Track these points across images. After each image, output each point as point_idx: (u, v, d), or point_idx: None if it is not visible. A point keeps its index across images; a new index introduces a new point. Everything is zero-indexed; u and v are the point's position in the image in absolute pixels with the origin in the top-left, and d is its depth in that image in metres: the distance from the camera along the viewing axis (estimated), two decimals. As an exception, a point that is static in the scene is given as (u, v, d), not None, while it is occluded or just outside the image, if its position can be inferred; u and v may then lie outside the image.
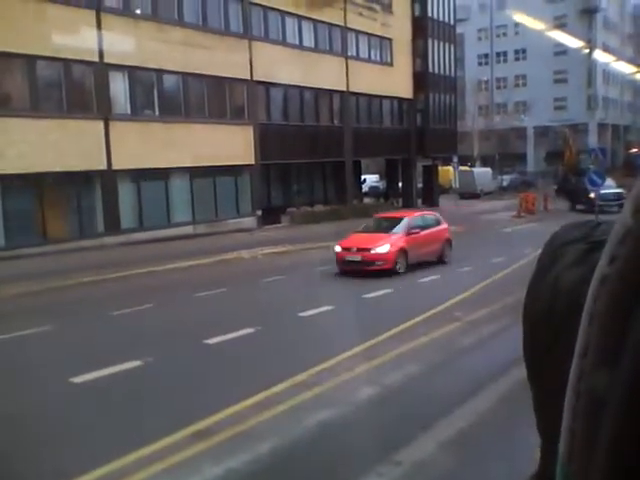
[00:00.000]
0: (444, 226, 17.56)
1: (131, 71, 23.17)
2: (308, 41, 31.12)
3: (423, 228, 16.56)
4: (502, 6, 60.79)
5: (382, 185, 43.95)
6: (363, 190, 40.00)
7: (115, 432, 6.08)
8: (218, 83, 26.32)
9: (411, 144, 37.69)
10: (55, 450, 5.81)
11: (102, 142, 22.07)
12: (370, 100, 35.13)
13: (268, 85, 28.50)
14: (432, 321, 10.49)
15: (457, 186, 47.80)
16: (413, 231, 16.08)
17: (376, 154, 37.79)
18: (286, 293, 13.51)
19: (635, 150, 58.40)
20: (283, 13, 29.45)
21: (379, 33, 35.22)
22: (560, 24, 58.41)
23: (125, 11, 23.05)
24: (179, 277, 16.01)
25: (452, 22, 40.92)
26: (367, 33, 34.38)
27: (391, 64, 36.44)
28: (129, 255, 19.01)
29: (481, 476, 5.29)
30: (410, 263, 15.55)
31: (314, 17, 30.90)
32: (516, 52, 65.15)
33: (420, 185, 40.24)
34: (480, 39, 66.92)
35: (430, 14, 38.28)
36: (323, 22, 31.54)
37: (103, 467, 5.31)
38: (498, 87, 65.31)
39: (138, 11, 23.71)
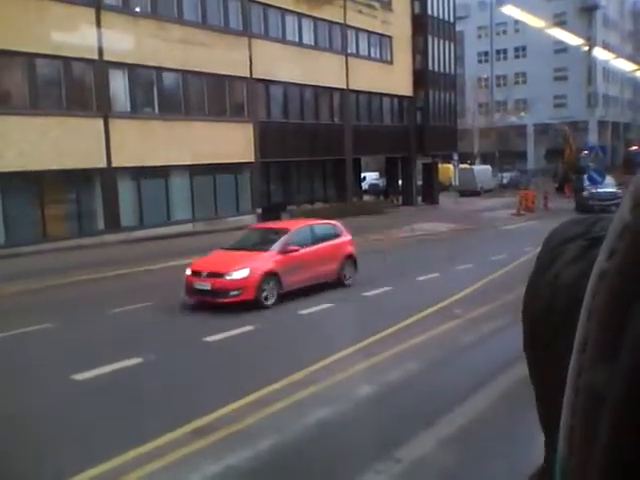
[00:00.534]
0: (345, 239, 14.27)
1: (131, 69, 23.14)
2: (308, 39, 31.08)
3: (314, 242, 13.34)
4: (502, 3, 60.71)
5: (382, 183, 43.89)
6: (363, 188, 39.96)
7: (116, 429, 6.09)
8: (218, 81, 26.29)
9: (411, 142, 37.65)
10: (56, 448, 5.82)
11: (102, 140, 22.04)
12: (370, 98, 35.09)
13: (268, 83, 28.46)
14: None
15: (457, 184, 47.75)
16: (292, 248, 12.63)
17: (376, 152, 37.75)
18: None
19: (635, 148, 58.35)
20: (283, 10, 29.40)
21: (379, 31, 35.17)
22: (560, 21, 58.33)
23: (125, 9, 23.01)
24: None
25: (452, 20, 40.84)
26: (367, 31, 34.33)
27: (391, 62, 36.39)
28: (129, 253, 19.00)
29: (481, 473, 5.29)
30: (287, 290, 12.15)
31: (314, 15, 30.86)
32: (516, 50, 65.09)
33: (420, 183, 40.19)
34: (480, 37, 66.84)
35: (430, 12, 38.21)
36: (323, 20, 31.50)
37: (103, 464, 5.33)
38: (498, 85, 65.23)
39: (138, 9, 23.68)
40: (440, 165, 42.86)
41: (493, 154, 53.15)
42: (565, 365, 0.37)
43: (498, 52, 66.61)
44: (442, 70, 39.56)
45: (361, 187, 38.74)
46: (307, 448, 5.84)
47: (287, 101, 30.32)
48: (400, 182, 39.79)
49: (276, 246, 12.62)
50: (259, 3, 28.15)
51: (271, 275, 11.99)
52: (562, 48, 59.03)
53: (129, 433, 6.03)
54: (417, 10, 37.74)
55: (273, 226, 15.44)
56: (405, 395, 7.14)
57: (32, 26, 19.46)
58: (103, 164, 22.13)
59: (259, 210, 28.05)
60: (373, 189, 43.23)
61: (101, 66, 22.03)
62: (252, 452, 5.60)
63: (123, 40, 22.13)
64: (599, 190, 28.98)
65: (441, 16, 39.41)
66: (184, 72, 24.87)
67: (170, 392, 7.27)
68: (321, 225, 14.64)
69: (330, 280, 13.28)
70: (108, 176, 22.37)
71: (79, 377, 7.66)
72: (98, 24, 21.71)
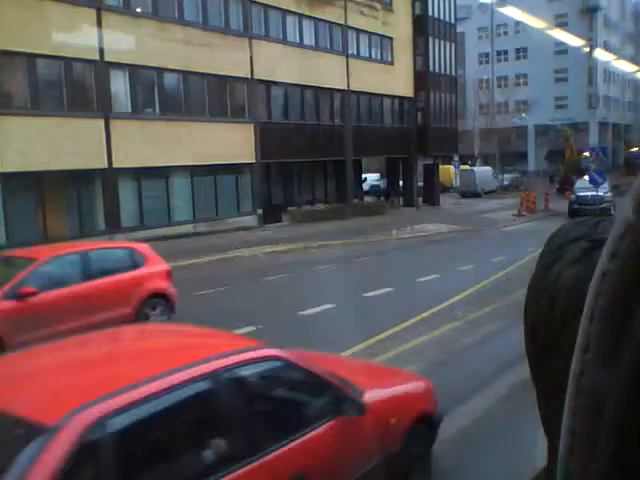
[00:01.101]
0: (152, 269, 10.09)
1: (132, 69, 23.15)
2: (309, 40, 31.10)
3: (87, 277, 9.22)
4: (503, 5, 60.75)
5: (383, 184, 43.88)
6: (364, 189, 39.96)
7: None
8: (219, 81, 26.31)
9: (412, 143, 37.63)
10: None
11: (103, 140, 22.05)
12: (371, 99, 35.10)
13: (269, 84, 28.48)
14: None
15: (458, 185, 47.74)
16: (30, 290, 8.32)
17: (377, 153, 37.77)
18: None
19: (636, 149, 58.37)
20: (284, 11, 29.42)
21: (380, 32, 35.19)
22: (561, 23, 58.33)
23: (126, 9, 23.04)
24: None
25: (453, 21, 40.86)
26: (368, 32, 34.34)
27: (392, 63, 36.40)
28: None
29: (481, 474, 5.28)
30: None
31: (315, 15, 30.88)
32: (517, 51, 65.12)
33: (421, 184, 40.19)
34: (481, 38, 66.87)
35: (431, 13, 38.24)
36: (324, 21, 31.51)
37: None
38: (499, 86, 65.22)
39: (139, 9, 23.69)
40: (441, 166, 42.88)
41: (494, 155, 53.13)
42: (567, 366, 0.36)
43: (499, 53, 66.65)
44: (443, 71, 39.58)
45: (362, 188, 38.73)
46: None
47: (288, 102, 30.33)
48: (401, 183, 39.81)
49: (4, 289, 8.28)
50: (260, 4, 28.16)
51: None
52: (563, 49, 59.07)
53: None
54: (418, 11, 37.74)
55: (17, 254, 10.08)
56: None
57: (33, 26, 19.48)
58: (104, 164, 22.13)
59: (260, 211, 28.07)
60: (374, 190, 43.23)
61: (102, 66, 22.05)
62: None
63: (124, 40, 22.14)
64: (584, 194, 27.77)
65: (442, 17, 39.45)
66: (185, 73, 24.89)
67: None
68: (105, 250, 10.50)
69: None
70: (109, 177, 22.38)
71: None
72: (99, 24, 21.73)
